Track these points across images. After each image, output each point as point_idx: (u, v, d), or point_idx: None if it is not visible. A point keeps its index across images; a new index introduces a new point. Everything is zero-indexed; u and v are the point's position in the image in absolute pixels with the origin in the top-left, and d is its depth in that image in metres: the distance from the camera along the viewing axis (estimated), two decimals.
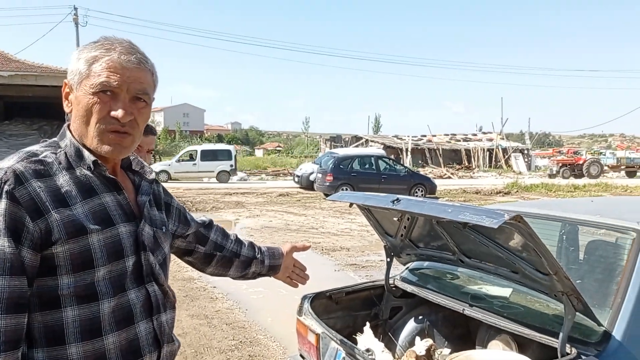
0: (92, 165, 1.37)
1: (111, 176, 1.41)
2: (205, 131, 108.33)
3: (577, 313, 2.09)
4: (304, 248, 2.13)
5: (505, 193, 22.52)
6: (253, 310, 6.11)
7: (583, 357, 2.03)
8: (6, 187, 1.23)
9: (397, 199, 2.38)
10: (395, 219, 2.86)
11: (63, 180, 1.31)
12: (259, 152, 74.66)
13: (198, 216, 1.99)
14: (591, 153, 41.40)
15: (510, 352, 2.53)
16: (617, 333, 2.09)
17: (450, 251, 2.72)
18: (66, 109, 1.43)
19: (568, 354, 2.04)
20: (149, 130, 2.48)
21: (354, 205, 2.93)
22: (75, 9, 33.50)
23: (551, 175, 34.58)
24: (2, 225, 1.21)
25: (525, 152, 46.10)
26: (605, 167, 36.50)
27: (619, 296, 2.20)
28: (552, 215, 3.06)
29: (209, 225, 1.90)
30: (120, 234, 1.36)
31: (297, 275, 2.12)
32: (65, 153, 1.37)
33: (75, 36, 33.64)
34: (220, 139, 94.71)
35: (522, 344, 2.55)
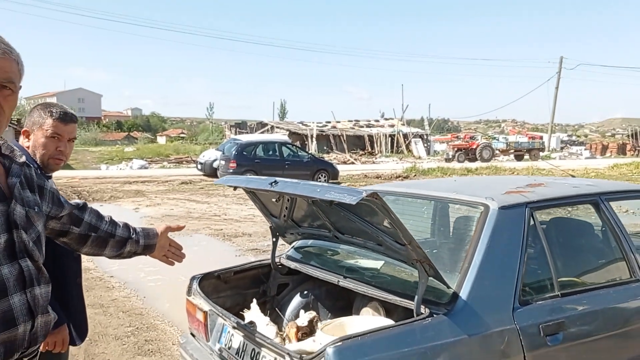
0: None
1: None
2: (103, 117, 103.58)
3: (430, 278, 2.38)
4: (178, 228, 2.24)
5: (404, 177, 23.49)
6: (151, 298, 6.12)
7: (435, 315, 2.32)
8: None
9: (275, 181, 2.57)
10: (274, 200, 3.04)
11: None
12: (161, 139, 72.49)
13: (95, 206, 2.05)
14: (486, 138, 44.04)
15: (378, 316, 2.81)
16: (464, 294, 2.40)
17: (327, 229, 2.94)
18: None
19: (422, 313, 2.32)
20: (70, 119, 2.40)
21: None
22: None
23: (447, 160, 36.46)
24: None
25: (425, 137, 48.12)
26: (497, 151, 39.03)
27: (466, 262, 2.52)
28: (416, 193, 3.39)
29: (83, 207, 1.97)
30: None
31: (172, 254, 2.22)
32: None
33: None
34: (119, 125, 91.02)
35: (389, 309, 2.84)
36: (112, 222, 2.05)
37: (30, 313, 1.55)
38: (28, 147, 2.35)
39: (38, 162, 2.33)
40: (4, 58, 1.47)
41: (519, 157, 39.13)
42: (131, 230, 2.08)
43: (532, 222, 2.76)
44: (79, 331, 2.51)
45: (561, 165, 29.07)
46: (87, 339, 4.38)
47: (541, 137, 45.29)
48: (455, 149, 38.24)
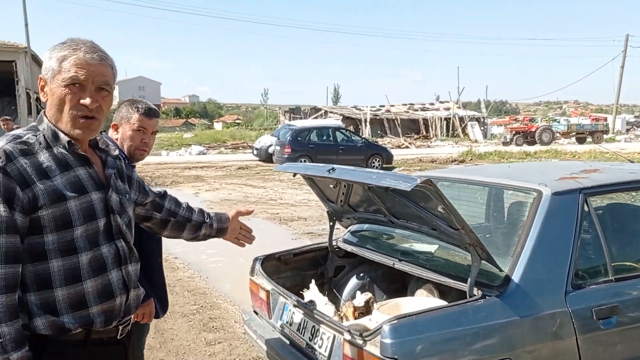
0: (66, 145, 1.67)
1: (83, 153, 1.72)
2: (162, 105, 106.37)
3: (483, 262, 2.47)
4: (248, 212, 2.46)
5: (459, 161, 23.19)
6: (213, 278, 6.41)
7: (487, 297, 2.41)
8: None
9: (333, 168, 2.71)
10: (331, 186, 3.19)
11: (44, 157, 1.62)
12: (218, 125, 73.95)
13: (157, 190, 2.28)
14: (546, 120, 42.61)
15: (432, 298, 2.92)
16: (516, 277, 2.48)
17: (382, 214, 3.07)
18: (42, 99, 1.72)
19: (475, 295, 2.42)
20: (154, 114, 2.66)
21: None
22: None
23: (505, 143, 35.51)
24: None
25: (482, 120, 47.06)
26: (557, 134, 37.71)
27: (519, 246, 2.59)
28: (470, 179, 3.46)
29: (163, 195, 2.23)
30: (92, 200, 1.68)
31: (243, 237, 2.46)
32: (44, 135, 1.67)
33: (23, 8, 32.51)
34: (178, 112, 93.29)
35: (443, 291, 2.95)
36: (189, 208, 2.28)
37: (125, 287, 1.78)
38: (116, 139, 2.61)
39: (125, 152, 2.58)
40: (101, 64, 1.69)
41: (581, 140, 37.66)
42: (205, 215, 2.31)
43: (586, 208, 2.79)
44: (162, 305, 2.79)
45: (627, 149, 27.96)
46: None
47: (605, 119, 43.43)
48: (514, 132, 37.17)
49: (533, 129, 36.70)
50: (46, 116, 1.71)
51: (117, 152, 1.92)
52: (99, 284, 1.68)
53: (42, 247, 1.59)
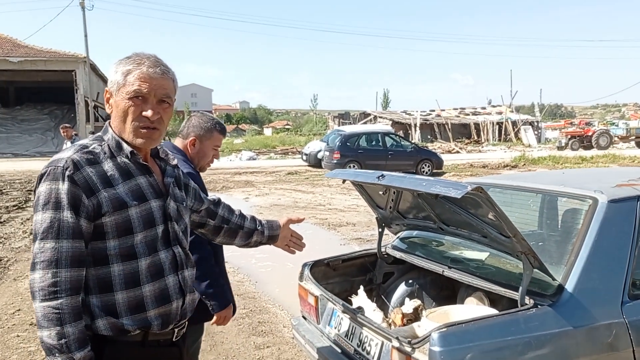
0: (129, 154, 1.76)
1: (144, 162, 1.81)
2: (213, 111, 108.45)
3: (535, 270, 2.42)
4: (299, 220, 2.49)
5: (512, 167, 22.71)
6: (262, 282, 6.50)
7: (539, 306, 2.36)
8: (67, 172, 1.62)
9: (382, 175, 2.72)
10: (381, 192, 3.19)
11: (108, 166, 1.71)
12: (267, 131, 74.82)
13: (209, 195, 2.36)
14: (603, 124, 41.12)
15: (482, 306, 2.88)
16: (569, 286, 2.42)
17: (432, 220, 3.05)
18: (107, 111, 1.82)
19: (526, 304, 2.38)
20: (221, 130, 2.90)
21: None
22: None
23: (560, 148, 34.49)
24: (65, 201, 1.61)
25: (535, 124, 45.91)
26: (615, 138, 36.32)
27: (572, 255, 2.52)
28: (523, 186, 3.39)
29: (217, 202, 2.30)
30: (152, 207, 1.76)
31: (294, 244, 2.50)
32: (109, 145, 1.76)
33: (83, 20, 33.90)
34: (229, 118, 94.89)
35: (494, 300, 2.90)
36: (241, 215, 2.35)
37: (181, 291, 1.85)
38: (184, 148, 2.81)
39: (195, 163, 2.81)
40: (163, 77, 1.78)
41: None
42: (257, 222, 2.38)
43: None
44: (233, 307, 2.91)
45: None
46: None
47: None
48: (569, 136, 36.01)
49: (589, 133, 35.45)
50: (111, 127, 1.80)
51: (175, 161, 2.00)
52: (156, 288, 1.75)
53: (104, 252, 1.67)
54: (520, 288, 2.40)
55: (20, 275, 6.82)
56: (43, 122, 37.46)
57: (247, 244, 2.37)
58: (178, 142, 2.88)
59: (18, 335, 4.82)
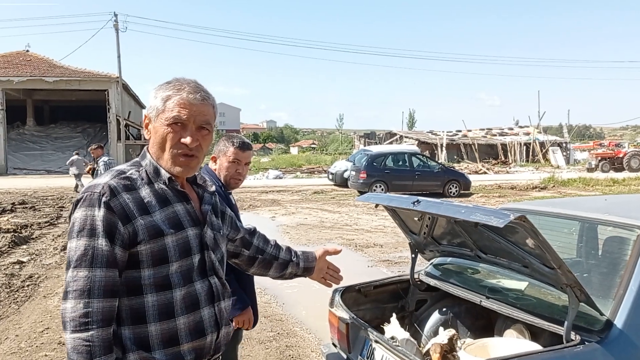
0: (167, 181, 1.71)
1: (182, 189, 1.75)
2: (241, 130, 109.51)
3: (581, 303, 2.30)
4: (336, 252, 2.37)
5: (541, 188, 22.31)
6: (289, 305, 6.41)
7: (586, 343, 2.24)
8: (104, 199, 1.57)
9: (417, 201, 2.63)
10: (416, 218, 3.10)
11: (145, 192, 1.65)
12: (294, 150, 75.20)
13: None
14: (634, 145, 40.34)
15: (523, 339, 2.75)
16: (619, 322, 2.29)
17: (468, 248, 2.94)
18: (146, 136, 1.77)
19: (572, 340, 2.25)
20: (247, 147, 2.99)
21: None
22: (116, 15, 34.48)
23: (590, 169, 33.86)
24: (100, 228, 1.55)
25: (564, 145, 45.22)
26: None
27: (621, 288, 2.40)
28: (564, 214, 3.26)
29: (253, 232, 2.21)
30: (188, 236, 1.70)
31: (330, 276, 2.38)
32: (146, 171, 1.71)
33: (116, 41, 34.63)
34: (256, 137, 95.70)
35: (535, 333, 2.77)
36: (277, 246, 2.26)
37: (217, 325, 1.77)
38: (215, 170, 2.93)
39: (222, 181, 2.90)
40: (203, 104, 1.72)
41: None
42: (292, 253, 2.28)
43: None
44: (254, 314, 2.97)
45: None
46: None
47: None
48: (599, 157, 35.37)
49: (621, 155, 34.80)
50: (149, 152, 1.75)
51: (213, 188, 1.94)
52: (191, 320, 1.68)
53: (139, 282, 1.61)
54: (566, 322, 2.28)
55: (50, 292, 6.86)
56: (76, 139, 38.22)
57: (282, 275, 2.27)
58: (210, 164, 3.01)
59: (46, 355, 4.81)
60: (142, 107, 46.69)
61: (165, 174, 1.71)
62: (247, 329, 2.93)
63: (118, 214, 1.57)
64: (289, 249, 2.29)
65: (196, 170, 1.80)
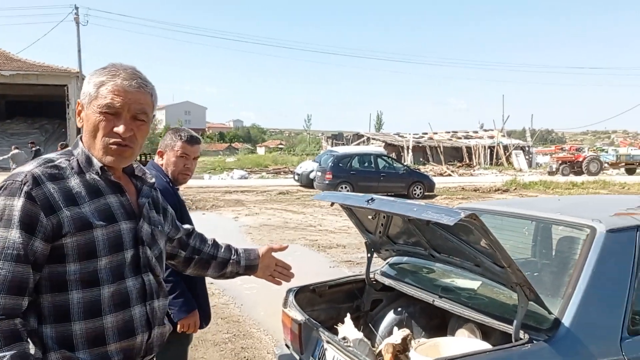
0: (99, 171, 1.61)
1: (115, 180, 1.66)
2: (207, 129, 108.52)
3: (531, 302, 2.29)
4: (281, 249, 2.32)
5: (503, 190, 22.69)
6: (248, 306, 6.32)
7: (534, 341, 2.23)
8: (25, 188, 1.47)
9: (372, 199, 2.59)
10: (370, 217, 3.06)
11: (74, 182, 1.56)
12: (261, 150, 74.86)
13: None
14: (593, 150, 41.48)
15: (474, 339, 2.74)
16: (566, 320, 2.29)
17: (422, 247, 2.92)
18: (78, 125, 1.67)
19: (521, 339, 2.24)
20: (195, 141, 2.89)
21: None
22: (77, 8, 33.76)
23: (551, 173, 34.65)
24: (16, 219, 1.45)
25: (527, 149, 46.15)
26: (605, 164, 36.58)
27: (570, 287, 2.40)
28: (518, 213, 3.27)
29: (190, 232, 2.13)
30: (121, 229, 1.61)
31: (279, 274, 2.31)
32: (77, 160, 1.62)
33: (77, 35, 33.89)
34: (222, 137, 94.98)
35: (486, 332, 2.76)
36: (215, 245, 2.18)
37: (148, 324, 1.68)
38: (162, 165, 2.83)
39: (169, 176, 2.80)
40: (140, 91, 1.63)
41: (630, 171, 36.41)
42: (232, 251, 2.20)
43: None
44: (204, 315, 2.90)
45: None
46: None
47: None
48: (560, 161, 36.25)
49: (580, 159, 35.73)
50: (81, 141, 1.66)
51: (153, 180, 1.86)
52: (119, 319, 1.59)
53: (63, 277, 1.51)
54: (515, 321, 2.27)
55: None
56: (33, 136, 37.12)
57: (222, 274, 2.19)
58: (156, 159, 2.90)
59: None
60: None
61: (97, 164, 1.62)
62: (193, 332, 2.84)
63: (41, 204, 1.48)
64: (228, 248, 2.21)
65: (130, 161, 1.72)
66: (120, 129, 1.59)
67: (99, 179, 1.62)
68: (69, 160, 1.61)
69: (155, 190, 1.88)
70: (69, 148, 1.69)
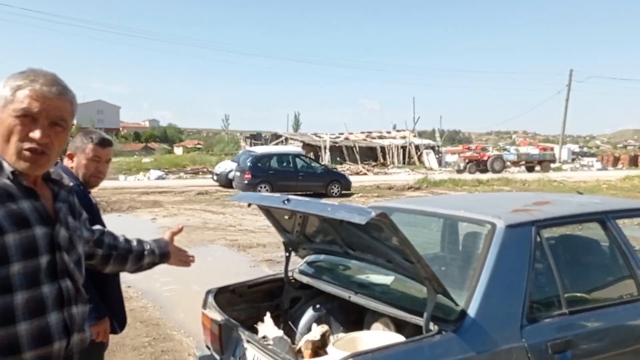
0: (10, 175, 1.56)
1: (29, 185, 1.61)
2: (121, 129, 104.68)
3: (439, 295, 2.44)
4: (179, 230, 2.44)
5: (415, 188, 23.52)
6: (167, 308, 6.22)
7: (443, 332, 2.38)
8: None
9: (288, 199, 2.66)
10: (286, 217, 3.14)
11: None
12: (178, 150, 73.14)
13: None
14: (497, 149, 43.85)
15: (388, 332, 2.88)
16: (472, 311, 2.45)
17: (338, 245, 3.02)
18: None
19: (431, 330, 2.39)
20: (108, 143, 2.81)
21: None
22: None
23: (459, 171, 36.35)
24: None
25: (437, 148, 47.96)
26: (508, 163, 38.84)
27: (474, 280, 2.58)
28: (426, 210, 3.46)
29: (103, 231, 2.14)
30: (35, 235, 1.56)
31: (185, 256, 2.44)
32: None
33: None
34: (137, 136, 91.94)
35: (400, 325, 2.90)
36: (127, 240, 2.21)
37: (66, 331, 1.64)
38: (72, 168, 2.73)
39: (80, 179, 2.71)
40: (59, 98, 1.61)
41: (530, 169, 38.96)
42: (144, 243, 2.25)
43: (538, 240, 2.81)
44: (119, 320, 2.84)
45: (572, 177, 28.91)
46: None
47: (552, 149, 45.12)
48: (467, 160, 38.12)
49: (485, 158, 37.81)
50: None
51: (71, 184, 1.84)
52: (34, 327, 1.55)
53: None
54: (425, 314, 2.41)
55: None
56: None
57: (139, 267, 2.23)
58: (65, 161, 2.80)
59: None
60: None
61: (8, 168, 1.57)
62: (104, 340, 2.75)
63: None
64: (140, 241, 2.25)
65: (45, 169, 1.68)
66: (36, 134, 1.56)
67: (10, 183, 1.57)
68: None
69: (72, 195, 1.85)
70: None
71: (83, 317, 1.75)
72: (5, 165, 1.57)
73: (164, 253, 2.29)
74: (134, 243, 2.22)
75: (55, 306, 1.61)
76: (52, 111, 1.58)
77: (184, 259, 2.42)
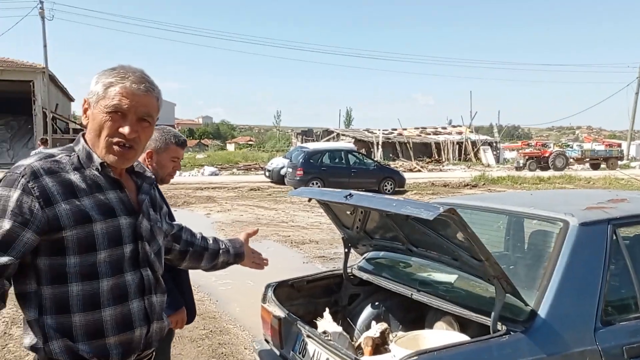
0: (99, 167, 1.64)
1: (115, 177, 1.68)
2: (175, 125, 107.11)
3: (508, 295, 2.35)
4: (254, 232, 2.45)
5: (472, 186, 23.01)
6: (223, 302, 6.30)
7: (512, 333, 2.29)
8: (22, 180, 1.50)
9: (350, 194, 2.61)
10: (348, 212, 3.09)
11: (74, 177, 1.58)
12: (230, 147, 74.32)
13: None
14: (559, 146, 42.39)
15: (452, 331, 2.80)
16: (542, 312, 2.35)
17: (400, 241, 2.96)
18: (84, 122, 1.70)
19: (499, 330, 2.30)
20: (186, 143, 2.94)
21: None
22: (41, 2, 32.97)
23: (518, 168, 35.32)
24: (10, 210, 1.47)
25: (494, 145, 46.92)
26: (571, 160, 37.44)
27: (545, 279, 2.47)
28: (492, 207, 3.34)
29: (181, 227, 2.20)
30: (120, 224, 1.63)
31: (259, 259, 2.44)
32: (78, 156, 1.64)
33: (42, 30, 33.12)
34: (191, 133, 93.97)
35: (463, 324, 2.82)
36: (204, 238, 2.25)
37: (147, 319, 1.71)
38: (148, 165, 2.78)
39: (157, 177, 2.73)
40: (147, 95, 1.67)
41: (595, 166, 37.36)
42: (220, 242, 2.29)
43: (614, 239, 2.67)
44: (190, 313, 2.91)
45: None
46: None
47: (619, 145, 43.10)
48: (527, 157, 36.97)
49: (546, 154, 36.48)
50: (84, 138, 1.69)
51: (153, 177, 1.90)
52: (118, 313, 1.62)
53: (64, 270, 1.54)
54: (493, 313, 2.32)
55: None
56: None
57: (214, 265, 2.27)
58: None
59: None
60: (71, 100, 44.75)
61: (97, 160, 1.64)
62: (179, 329, 2.87)
63: (37, 196, 1.50)
64: (216, 240, 2.29)
65: (132, 162, 1.75)
66: (125, 129, 1.62)
67: (98, 175, 1.64)
68: (70, 156, 1.64)
69: (153, 188, 1.90)
70: (71, 145, 1.72)
71: (162, 306, 1.80)
72: (95, 157, 1.64)
73: (239, 253, 2.32)
74: (210, 241, 2.26)
75: (137, 294, 1.68)
76: (140, 107, 1.65)
77: (258, 261, 2.43)
